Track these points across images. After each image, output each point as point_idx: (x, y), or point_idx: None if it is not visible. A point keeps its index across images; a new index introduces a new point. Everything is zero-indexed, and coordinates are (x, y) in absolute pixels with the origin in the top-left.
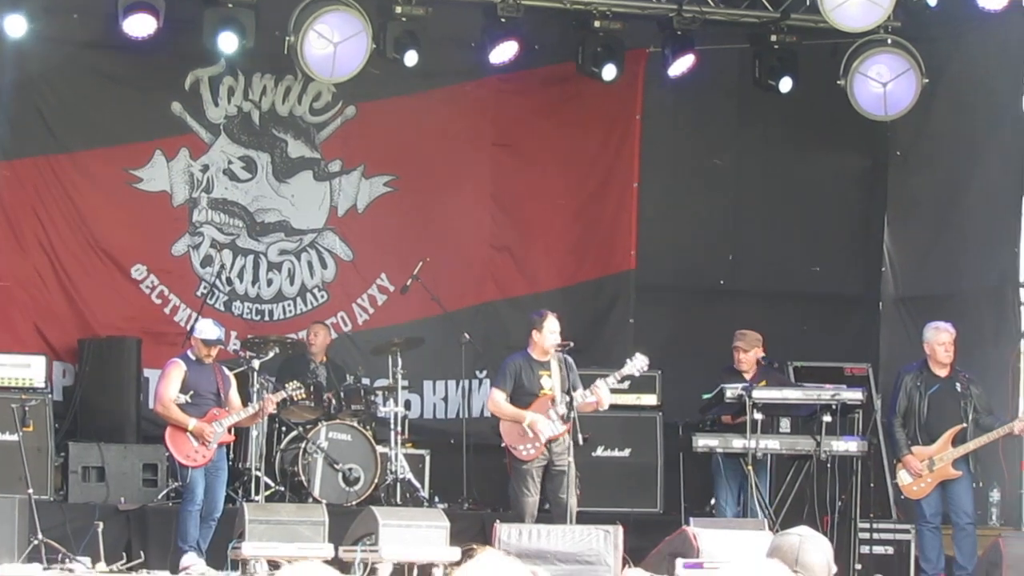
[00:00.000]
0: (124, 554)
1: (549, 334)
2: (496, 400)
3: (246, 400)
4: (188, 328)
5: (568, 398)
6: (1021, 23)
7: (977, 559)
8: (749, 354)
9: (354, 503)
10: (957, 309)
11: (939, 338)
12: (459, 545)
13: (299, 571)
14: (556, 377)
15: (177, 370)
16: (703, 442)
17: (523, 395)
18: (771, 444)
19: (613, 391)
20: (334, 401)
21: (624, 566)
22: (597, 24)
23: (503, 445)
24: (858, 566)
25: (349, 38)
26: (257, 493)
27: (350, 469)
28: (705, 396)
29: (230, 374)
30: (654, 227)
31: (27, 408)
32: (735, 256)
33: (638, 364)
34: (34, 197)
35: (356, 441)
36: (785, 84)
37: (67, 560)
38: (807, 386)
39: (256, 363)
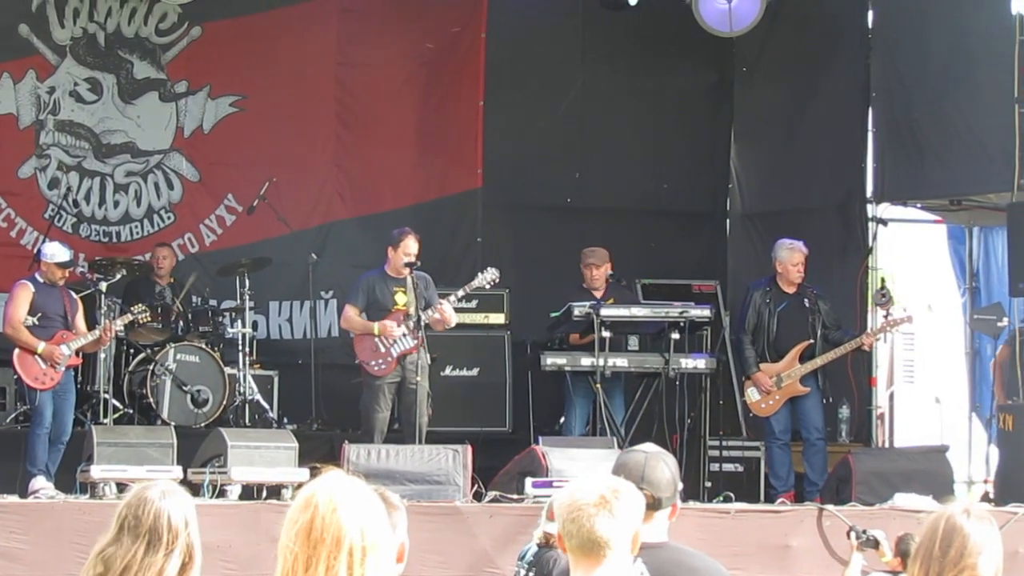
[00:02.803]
0: None
1: (403, 255)
2: (348, 316)
3: (92, 323)
4: (35, 251)
5: (419, 315)
6: None
7: (827, 475)
8: (601, 270)
9: (203, 425)
10: (804, 224)
11: (793, 258)
12: (308, 466)
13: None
14: (411, 293)
15: (25, 292)
16: (551, 360)
17: (377, 311)
18: (620, 362)
19: (460, 310)
20: (182, 323)
21: (473, 486)
22: None
23: (357, 362)
24: (708, 484)
25: None
26: (105, 416)
27: (198, 391)
28: (553, 314)
29: (77, 297)
30: (500, 145)
31: None
32: (582, 173)
33: (489, 276)
34: None
35: (204, 362)
36: None
37: None
38: (655, 303)
39: (104, 285)
